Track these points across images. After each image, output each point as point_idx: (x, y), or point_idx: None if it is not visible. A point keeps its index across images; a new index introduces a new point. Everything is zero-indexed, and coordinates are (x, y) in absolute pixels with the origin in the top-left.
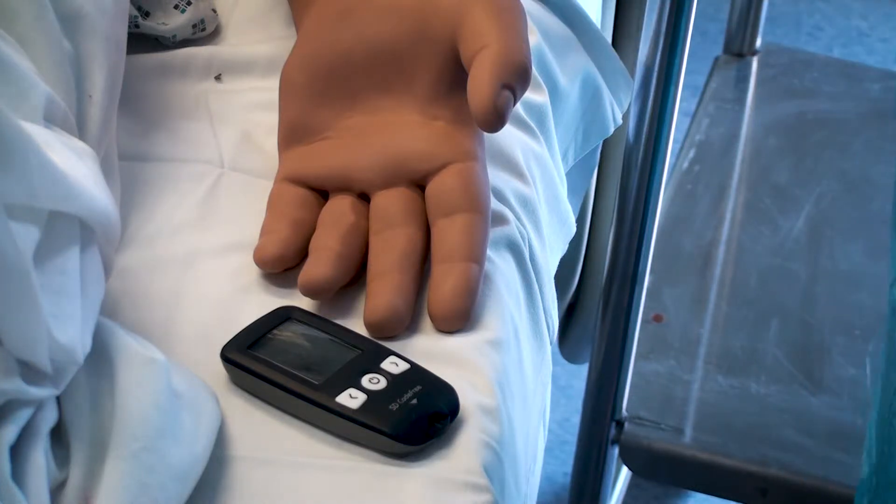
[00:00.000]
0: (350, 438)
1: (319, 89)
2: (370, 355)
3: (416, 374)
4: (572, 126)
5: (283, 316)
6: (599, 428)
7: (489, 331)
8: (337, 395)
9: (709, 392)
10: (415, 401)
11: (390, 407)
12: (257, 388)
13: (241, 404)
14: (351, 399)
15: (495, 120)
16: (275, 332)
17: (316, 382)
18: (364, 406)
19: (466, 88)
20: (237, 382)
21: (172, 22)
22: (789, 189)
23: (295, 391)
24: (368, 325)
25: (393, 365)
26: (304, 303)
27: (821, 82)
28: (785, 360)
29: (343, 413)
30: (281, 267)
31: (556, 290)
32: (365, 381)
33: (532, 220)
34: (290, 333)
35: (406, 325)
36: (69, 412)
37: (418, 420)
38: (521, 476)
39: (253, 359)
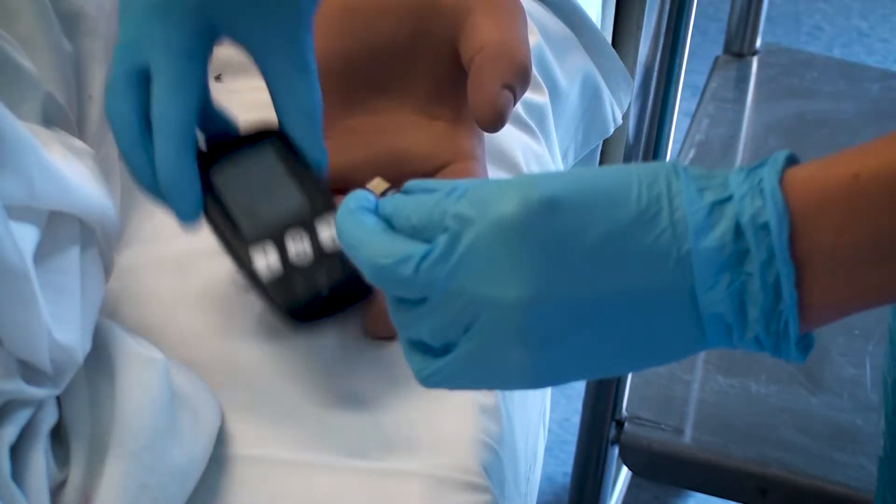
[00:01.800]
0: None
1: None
2: (312, 207)
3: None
4: (572, 126)
5: (263, 139)
6: (599, 428)
7: None
8: (252, 249)
9: (709, 392)
10: (323, 279)
11: (294, 278)
12: (208, 215)
13: (241, 403)
14: (263, 257)
15: (495, 120)
16: (247, 159)
17: (243, 229)
18: (274, 275)
19: (466, 89)
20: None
21: None
22: None
23: (222, 234)
24: (370, 332)
25: (325, 226)
26: None
27: (821, 82)
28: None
29: (250, 271)
30: None
31: None
32: (289, 238)
33: None
34: (257, 164)
35: None
36: (69, 412)
37: (315, 299)
38: (521, 476)
39: (209, 183)
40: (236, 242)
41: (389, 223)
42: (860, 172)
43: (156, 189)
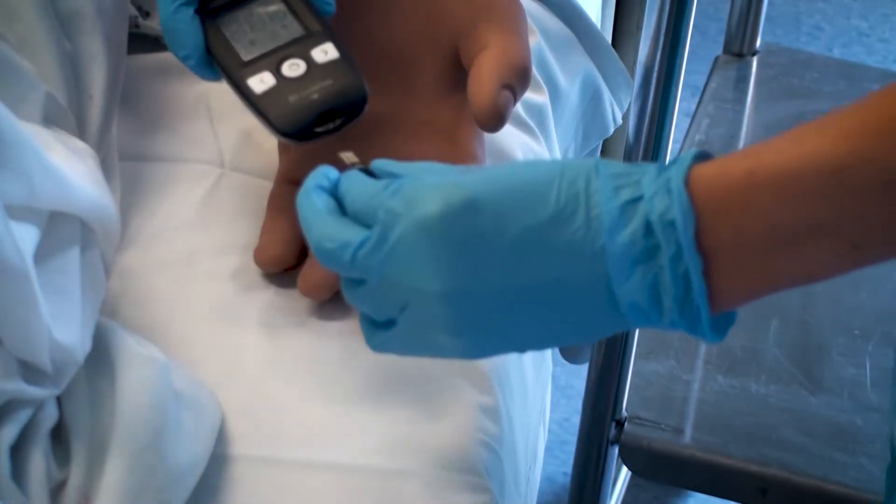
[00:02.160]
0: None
1: None
2: (311, 38)
3: (338, 66)
4: (572, 126)
5: None
6: (599, 428)
7: None
8: (249, 77)
9: (709, 392)
10: (316, 96)
11: (290, 98)
12: (210, 53)
13: (241, 403)
14: (260, 83)
15: (495, 120)
16: (250, 2)
17: (243, 59)
18: (267, 92)
19: (466, 89)
20: (207, 44)
21: None
22: None
23: (223, 67)
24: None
25: (322, 53)
26: (307, 303)
27: (821, 82)
28: (785, 360)
29: (247, 95)
30: (281, 267)
31: None
32: (286, 65)
33: None
34: (262, 6)
35: None
36: (69, 412)
37: (308, 117)
38: (521, 476)
39: (213, 27)
40: (235, 70)
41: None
42: (754, 170)
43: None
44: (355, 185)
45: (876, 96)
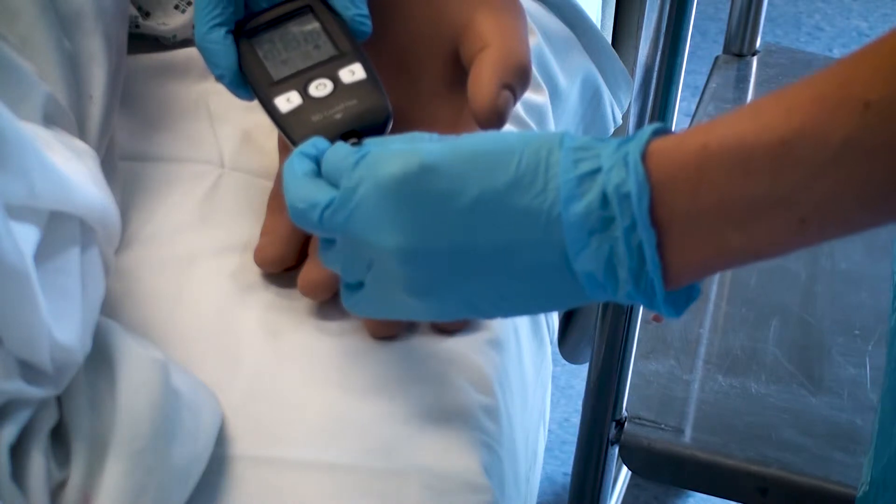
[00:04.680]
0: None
1: None
2: (341, 58)
3: (364, 87)
4: (572, 126)
5: (303, 5)
6: (599, 428)
7: (489, 331)
8: (276, 96)
9: (709, 392)
10: (339, 115)
11: (313, 118)
12: (243, 72)
13: (241, 404)
14: (286, 102)
15: (495, 119)
16: (287, 21)
17: (273, 78)
18: (292, 111)
19: (466, 89)
20: (240, 62)
21: (172, 22)
22: None
23: (254, 86)
24: (369, 326)
25: (349, 73)
26: (307, 304)
27: None
28: (785, 360)
29: (273, 114)
30: (281, 267)
31: None
32: (313, 85)
33: None
34: (296, 26)
35: (406, 325)
36: (69, 412)
37: (329, 137)
38: (521, 476)
39: (248, 46)
40: (264, 89)
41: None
42: (708, 143)
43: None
44: (331, 151)
45: (834, 66)
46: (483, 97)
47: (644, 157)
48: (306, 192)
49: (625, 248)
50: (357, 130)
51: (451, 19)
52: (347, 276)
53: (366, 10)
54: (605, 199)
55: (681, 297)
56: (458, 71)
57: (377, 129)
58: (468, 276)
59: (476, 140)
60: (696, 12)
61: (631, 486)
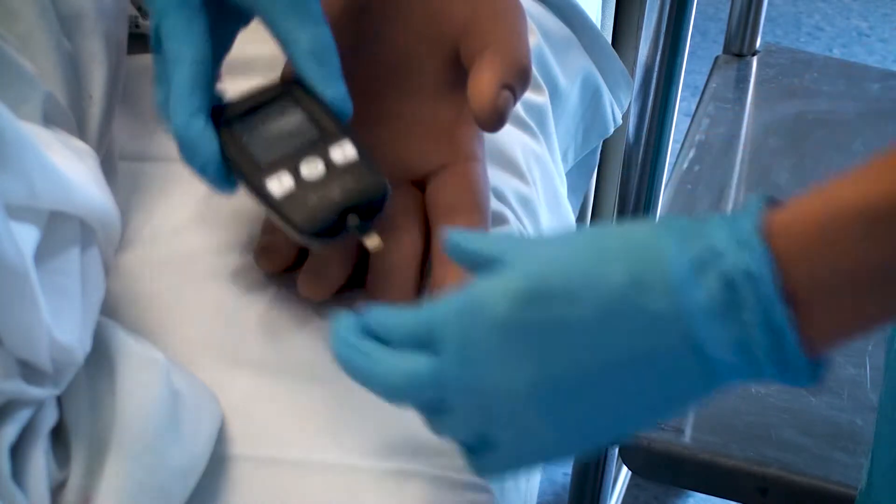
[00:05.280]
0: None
1: None
2: (326, 137)
3: (357, 165)
4: (572, 126)
5: (280, 91)
6: None
7: None
8: (268, 179)
9: None
10: (336, 195)
11: (310, 199)
12: (227, 159)
13: (241, 404)
14: (279, 185)
15: (495, 120)
16: (267, 107)
17: (260, 164)
18: (287, 195)
19: (466, 89)
20: (223, 150)
21: None
22: (789, 189)
23: (241, 172)
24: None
25: (340, 152)
26: (307, 304)
27: (821, 82)
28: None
29: (267, 199)
30: (281, 267)
31: None
32: (304, 166)
33: (532, 220)
34: (277, 111)
35: None
36: (69, 412)
37: (331, 216)
38: (520, 476)
39: (228, 134)
40: (252, 173)
41: (380, 337)
42: (831, 211)
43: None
44: (390, 316)
45: None
46: (483, 97)
47: (760, 231)
48: (395, 366)
49: (759, 331)
50: (357, 208)
51: (451, 19)
52: (470, 438)
53: (344, 90)
54: (728, 283)
55: (818, 366)
56: (458, 71)
57: (376, 205)
58: (601, 396)
59: (571, 247)
60: (696, 12)
61: (631, 486)
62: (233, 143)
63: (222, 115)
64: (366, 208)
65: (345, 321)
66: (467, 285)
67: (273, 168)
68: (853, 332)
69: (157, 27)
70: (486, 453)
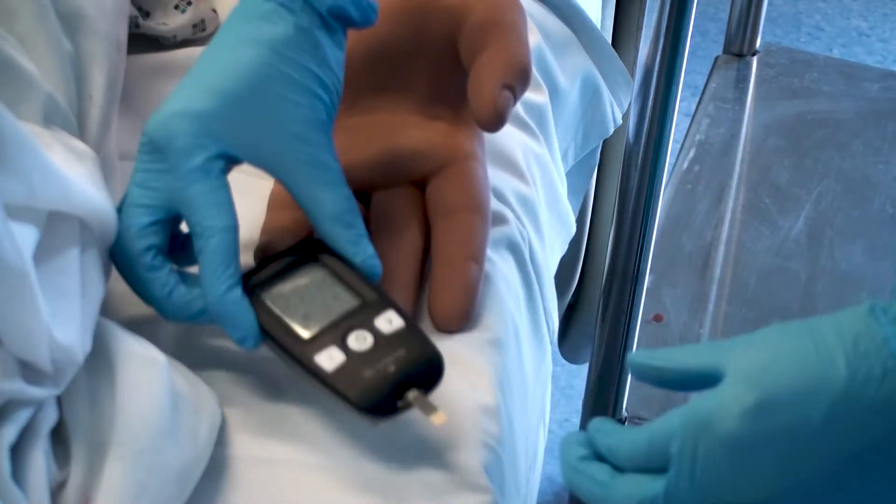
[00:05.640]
0: (331, 398)
1: None
2: (369, 307)
3: (406, 335)
4: (572, 126)
5: (305, 252)
6: None
7: (489, 331)
8: (317, 354)
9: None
10: (392, 367)
11: (365, 373)
12: (264, 331)
13: (241, 405)
14: (329, 360)
15: (495, 120)
16: (294, 273)
17: (304, 337)
18: (339, 369)
19: (466, 88)
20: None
21: (172, 22)
22: (789, 189)
23: (282, 345)
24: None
25: (387, 322)
26: None
27: (820, 82)
28: None
29: (318, 374)
30: None
31: (556, 290)
32: (351, 339)
33: (532, 220)
34: (305, 276)
35: None
36: (69, 412)
37: (389, 391)
38: (521, 476)
39: (260, 304)
40: (298, 348)
41: (605, 458)
42: None
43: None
44: (623, 439)
45: None
46: (483, 98)
47: None
48: (626, 494)
49: None
50: (414, 381)
51: (447, 18)
52: None
53: (372, 251)
54: None
55: None
56: (456, 71)
57: (434, 377)
58: (839, 495)
59: (788, 347)
60: (696, 12)
61: None
62: (265, 313)
63: (248, 281)
64: (422, 379)
65: (574, 448)
66: (693, 404)
67: (318, 341)
68: None
69: (179, 196)
70: None
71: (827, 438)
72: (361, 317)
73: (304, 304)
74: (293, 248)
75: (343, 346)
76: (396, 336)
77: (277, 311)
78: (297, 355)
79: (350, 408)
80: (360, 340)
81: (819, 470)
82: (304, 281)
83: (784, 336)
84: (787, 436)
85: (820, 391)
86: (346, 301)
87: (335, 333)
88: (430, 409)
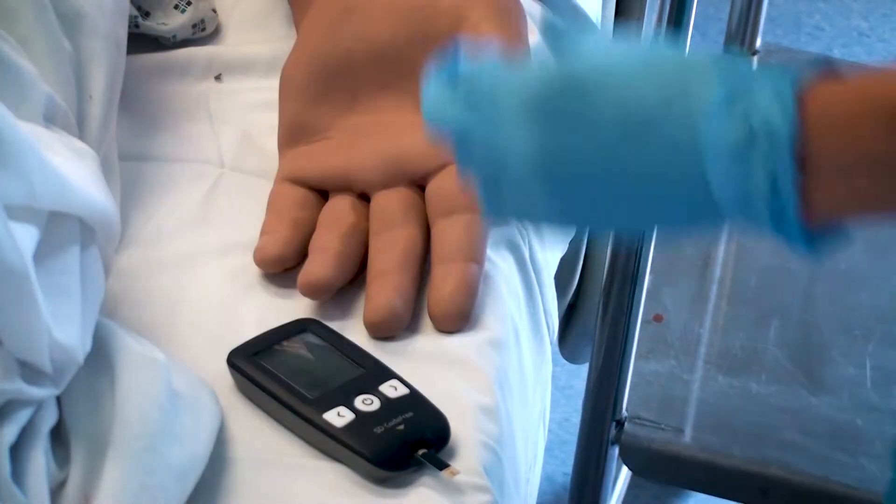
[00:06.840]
0: (337, 458)
1: (319, 89)
2: (372, 376)
3: (412, 399)
4: None
5: (299, 327)
6: (599, 428)
7: (489, 331)
8: (325, 412)
9: (709, 392)
10: (401, 426)
11: (375, 430)
12: (258, 396)
13: (241, 405)
14: (338, 417)
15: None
16: (285, 343)
17: (310, 397)
18: (349, 426)
19: None
20: (241, 389)
21: (172, 22)
22: None
23: (287, 403)
24: (368, 326)
25: (392, 388)
26: (307, 304)
27: None
28: (785, 360)
29: (327, 430)
30: (281, 267)
31: (556, 290)
32: (358, 401)
33: None
34: (300, 345)
35: (405, 324)
36: (69, 412)
37: (400, 447)
38: (520, 476)
39: (256, 367)
40: (303, 407)
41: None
42: (866, 96)
43: None
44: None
45: None
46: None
47: (799, 95)
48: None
49: (763, 181)
50: (424, 440)
51: (444, 16)
52: (485, 186)
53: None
54: (751, 130)
55: (823, 241)
56: None
57: (442, 438)
58: (599, 182)
59: (627, 55)
60: (696, 12)
61: (631, 486)
62: (269, 376)
63: (249, 349)
64: (432, 438)
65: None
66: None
67: (325, 400)
68: (850, 213)
69: None
70: (497, 204)
71: (608, 138)
72: (366, 383)
73: (307, 370)
74: (284, 326)
75: (350, 406)
76: (403, 400)
77: (281, 374)
78: (305, 414)
79: (361, 463)
80: (366, 403)
81: (588, 155)
82: (300, 350)
83: (638, 48)
84: (579, 121)
85: (627, 90)
86: (349, 369)
87: (341, 396)
88: (441, 464)
